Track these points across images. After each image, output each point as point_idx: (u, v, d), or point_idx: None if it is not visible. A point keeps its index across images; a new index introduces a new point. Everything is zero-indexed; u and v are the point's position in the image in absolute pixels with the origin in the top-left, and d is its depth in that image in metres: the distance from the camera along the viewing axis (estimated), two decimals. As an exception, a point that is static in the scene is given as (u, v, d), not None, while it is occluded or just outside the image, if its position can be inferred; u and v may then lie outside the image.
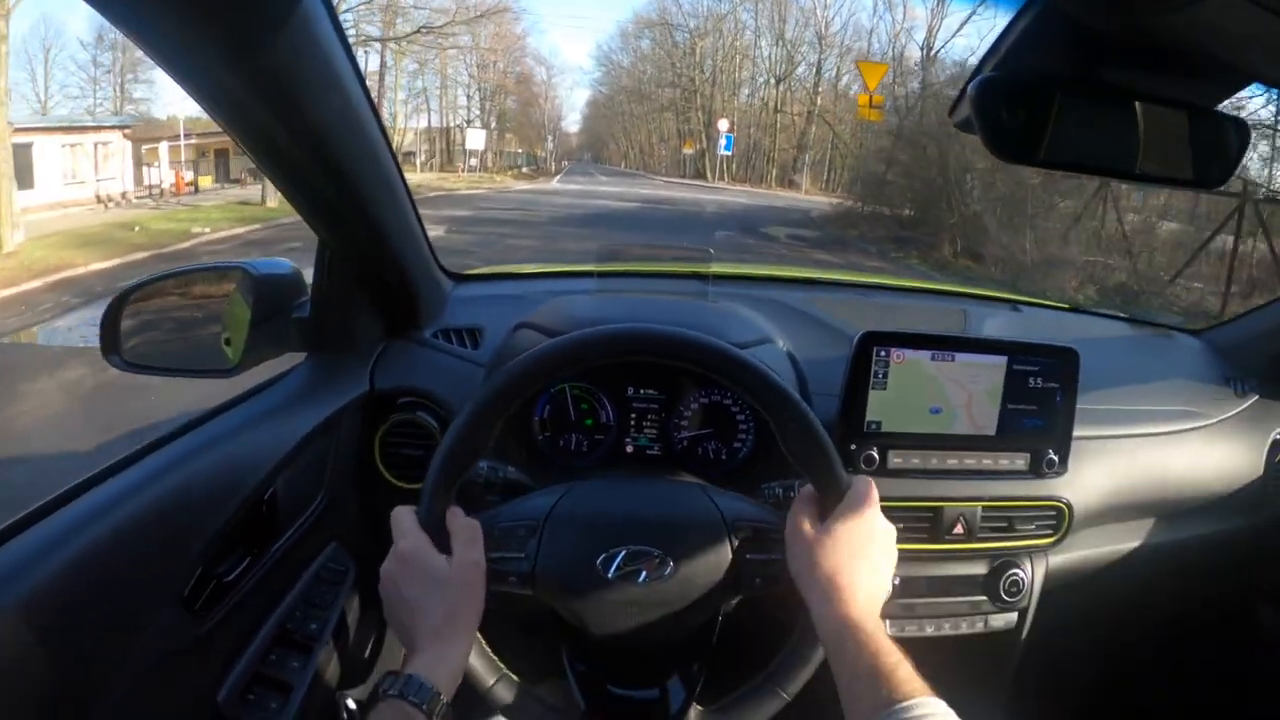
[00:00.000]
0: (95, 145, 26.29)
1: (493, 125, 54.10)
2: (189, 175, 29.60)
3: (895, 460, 1.67)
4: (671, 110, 58.05)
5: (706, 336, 1.26)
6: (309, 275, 1.64)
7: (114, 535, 1.07)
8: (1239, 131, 1.06)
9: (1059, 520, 1.80)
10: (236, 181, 28.94)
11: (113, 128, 28.35)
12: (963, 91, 1.05)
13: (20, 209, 16.63)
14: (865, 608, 1.12)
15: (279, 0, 0.97)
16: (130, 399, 6.31)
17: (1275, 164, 16.64)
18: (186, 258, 13.83)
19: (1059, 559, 1.85)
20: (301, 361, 1.68)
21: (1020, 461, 1.71)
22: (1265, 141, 15.86)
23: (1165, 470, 1.95)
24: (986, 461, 1.70)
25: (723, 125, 48.07)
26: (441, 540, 1.20)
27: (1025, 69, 1.00)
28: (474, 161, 48.48)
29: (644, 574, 1.23)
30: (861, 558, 1.15)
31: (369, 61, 40.06)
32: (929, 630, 1.76)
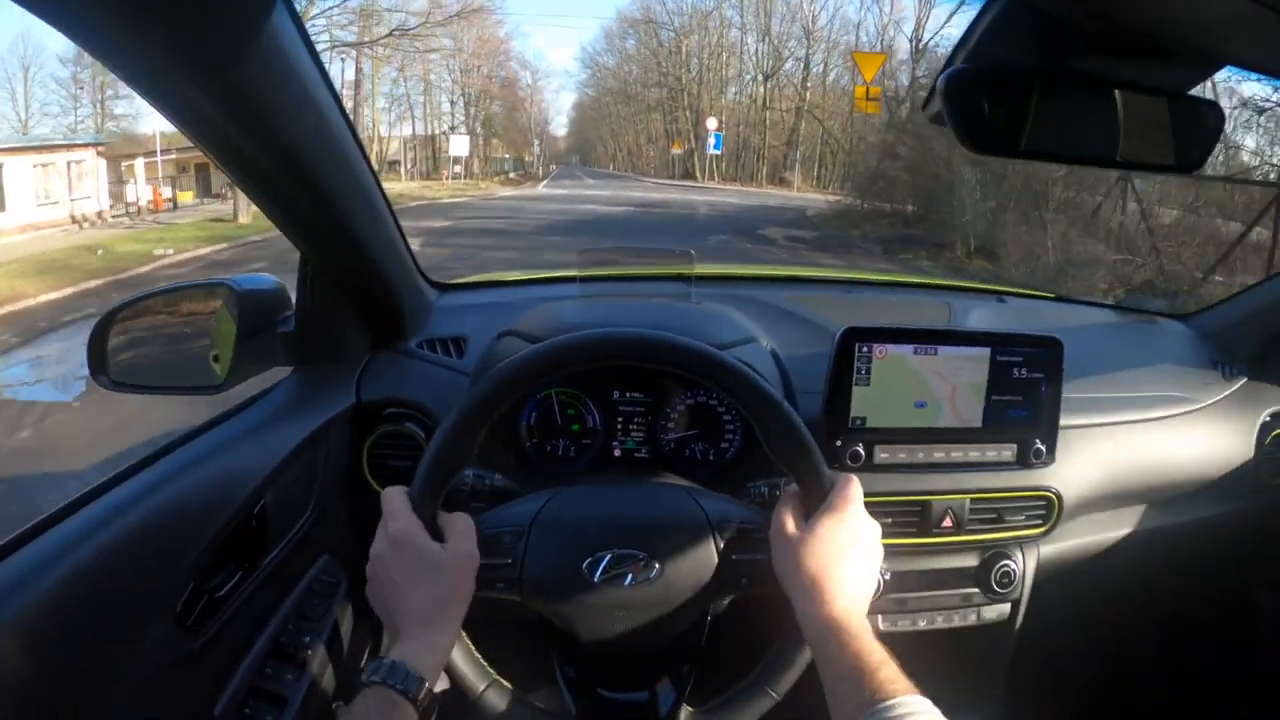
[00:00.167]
0: (68, 164, 26.11)
1: (478, 131, 53.96)
2: (167, 191, 29.29)
3: (881, 455, 1.67)
4: (659, 110, 58.08)
5: (686, 339, 1.26)
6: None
7: (105, 553, 1.07)
8: (1214, 114, 1.06)
9: (1048, 510, 1.80)
10: (218, 196, 28.64)
11: (85, 145, 28.19)
12: (933, 86, 1.05)
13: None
14: (849, 607, 1.12)
15: (245, 19, 0.96)
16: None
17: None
18: (144, 283, 13.41)
19: (1050, 549, 1.85)
20: (288, 376, 1.68)
21: (1007, 453, 1.71)
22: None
23: (1155, 456, 1.95)
24: (973, 454, 1.70)
25: (711, 124, 47.83)
26: (433, 529, 1.20)
27: (997, 60, 1.00)
28: (458, 168, 48.27)
29: (630, 577, 1.23)
30: (845, 556, 1.16)
31: (345, 71, 40.04)
32: (922, 624, 1.77)
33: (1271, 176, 13.48)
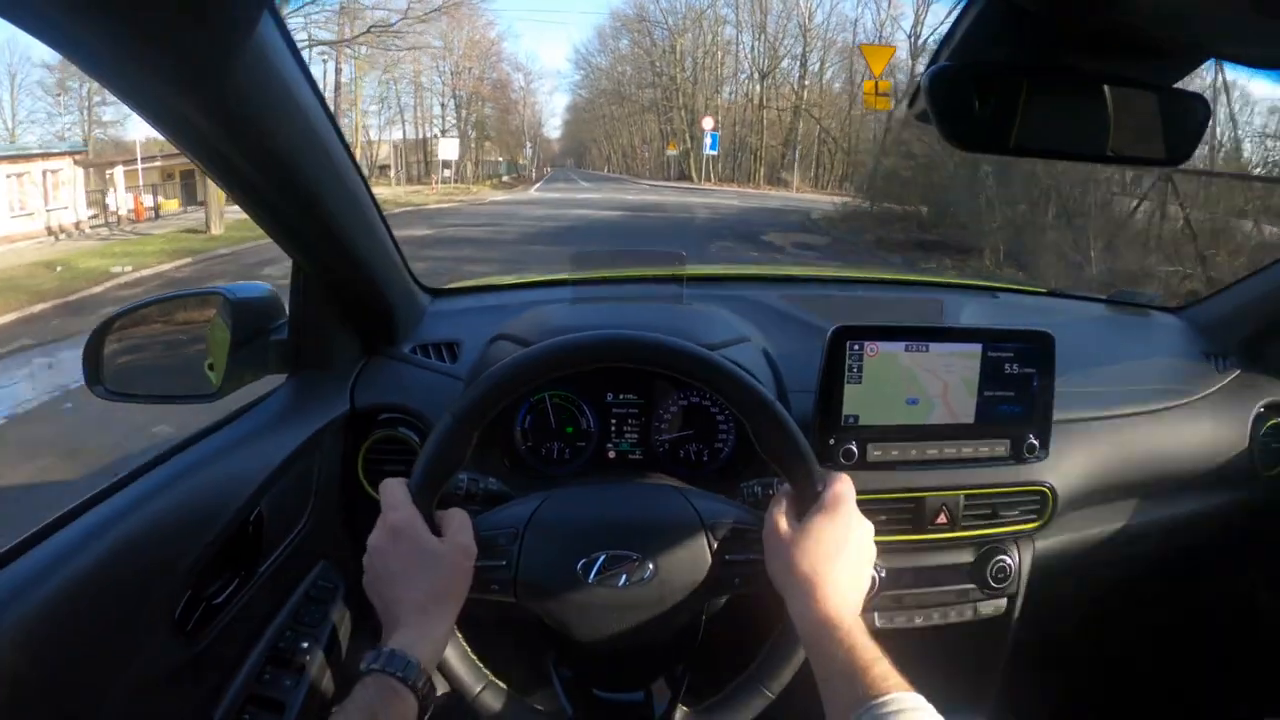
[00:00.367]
0: (44, 173, 25.36)
1: (470, 134, 53.54)
2: (150, 200, 28.48)
3: (875, 453, 1.67)
4: (653, 111, 57.72)
5: (678, 340, 1.27)
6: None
7: (102, 561, 1.07)
8: (1201, 107, 1.07)
9: (1043, 505, 1.81)
10: (202, 204, 27.19)
11: (62, 154, 27.29)
12: (919, 84, 1.06)
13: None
14: (842, 605, 1.13)
15: (232, 29, 0.97)
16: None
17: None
18: (94, 306, 12.79)
19: (1046, 543, 1.86)
20: (282, 383, 1.69)
21: (1000, 448, 1.71)
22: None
23: (1149, 449, 1.96)
24: (966, 450, 1.70)
25: (707, 124, 47.41)
26: (431, 524, 1.21)
27: (982, 57, 1.00)
28: (448, 172, 47.62)
29: (624, 577, 1.24)
30: (838, 556, 1.16)
31: (328, 73, 39.50)
32: (918, 620, 1.77)
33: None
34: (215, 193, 21.30)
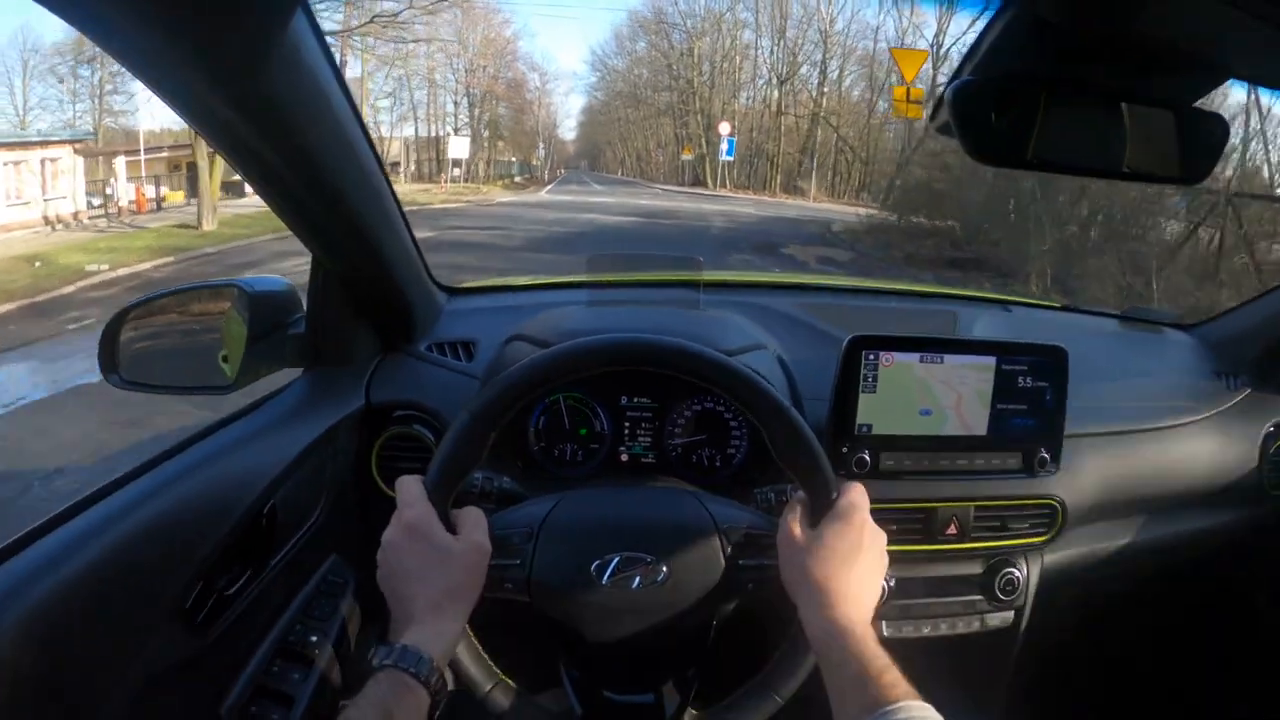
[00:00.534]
0: (43, 162, 24.50)
1: (483, 134, 53.16)
2: (152, 191, 27.52)
3: (887, 462, 1.68)
4: (669, 114, 56.79)
5: (698, 345, 1.27)
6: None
7: (114, 551, 1.08)
8: (1219, 126, 1.08)
9: (1052, 518, 1.81)
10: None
11: (62, 142, 26.43)
12: (941, 96, 1.06)
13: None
14: (854, 613, 1.13)
15: (266, 23, 0.97)
16: None
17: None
18: (60, 309, 12.57)
19: (1054, 557, 1.86)
20: (298, 377, 1.69)
21: (1012, 461, 1.71)
22: None
23: (1159, 465, 1.95)
24: (978, 461, 1.71)
25: (724, 129, 46.67)
26: (446, 522, 1.21)
27: (1004, 71, 1.01)
28: (457, 171, 46.87)
29: (638, 579, 1.24)
30: (852, 564, 1.16)
31: (346, 70, 38.30)
32: (926, 630, 1.77)
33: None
34: (208, 187, 21.06)
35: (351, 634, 1.58)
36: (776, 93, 50.02)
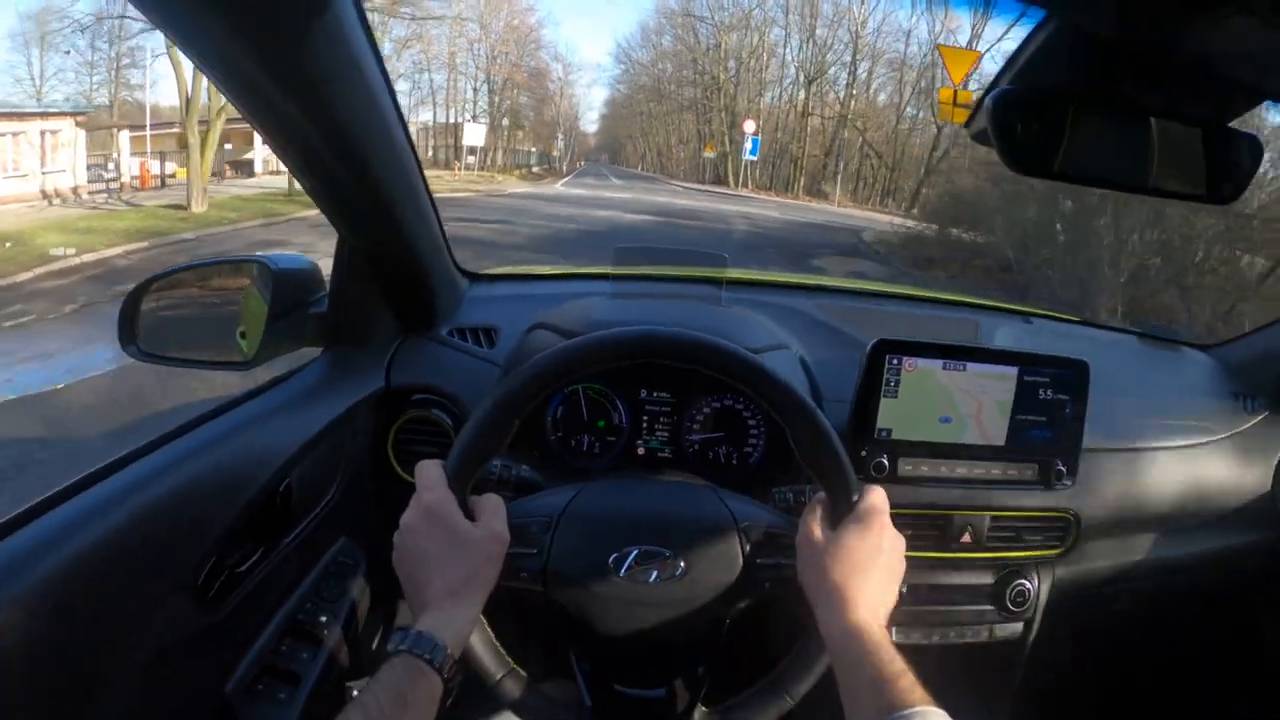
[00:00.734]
0: (42, 134, 23.81)
1: (503, 122, 52.97)
2: (157, 167, 26.59)
3: (905, 468, 1.67)
4: (692, 110, 56.46)
5: (725, 341, 1.27)
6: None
7: (128, 524, 1.08)
8: (1252, 148, 1.07)
9: (1066, 532, 1.81)
10: (215, 175, 25.84)
11: (63, 114, 25.71)
12: (979, 104, 1.06)
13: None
14: (871, 616, 1.13)
15: None
16: None
17: None
18: (5, 299, 10.92)
19: (1065, 571, 1.86)
20: (318, 356, 1.69)
21: (1029, 472, 1.71)
22: None
23: (1173, 484, 1.94)
24: (995, 471, 1.70)
25: (749, 127, 46.06)
26: (465, 508, 1.20)
27: (1041, 83, 1.01)
28: (472, 159, 46.34)
29: (655, 574, 1.24)
30: (870, 567, 1.16)
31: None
32: (935, 638, 1.77)
33: None
34: (199, 167, 20.66)
35: (360, 616, 1.58)
36: (803, 93, 49.60)
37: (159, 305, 1.58)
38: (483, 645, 1.24)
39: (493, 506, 1.22)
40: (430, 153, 48.31)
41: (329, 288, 1.66)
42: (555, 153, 63.67)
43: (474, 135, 45.11)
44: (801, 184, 47.72)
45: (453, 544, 1.16)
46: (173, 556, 1.15)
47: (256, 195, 21.83)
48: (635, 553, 1.25)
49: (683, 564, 1.25)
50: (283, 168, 1.45)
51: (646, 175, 60.91)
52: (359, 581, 1.59)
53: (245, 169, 24.48)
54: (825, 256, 20.11)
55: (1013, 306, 2.54)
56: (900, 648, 1.08)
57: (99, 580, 1.03)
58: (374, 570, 1.62)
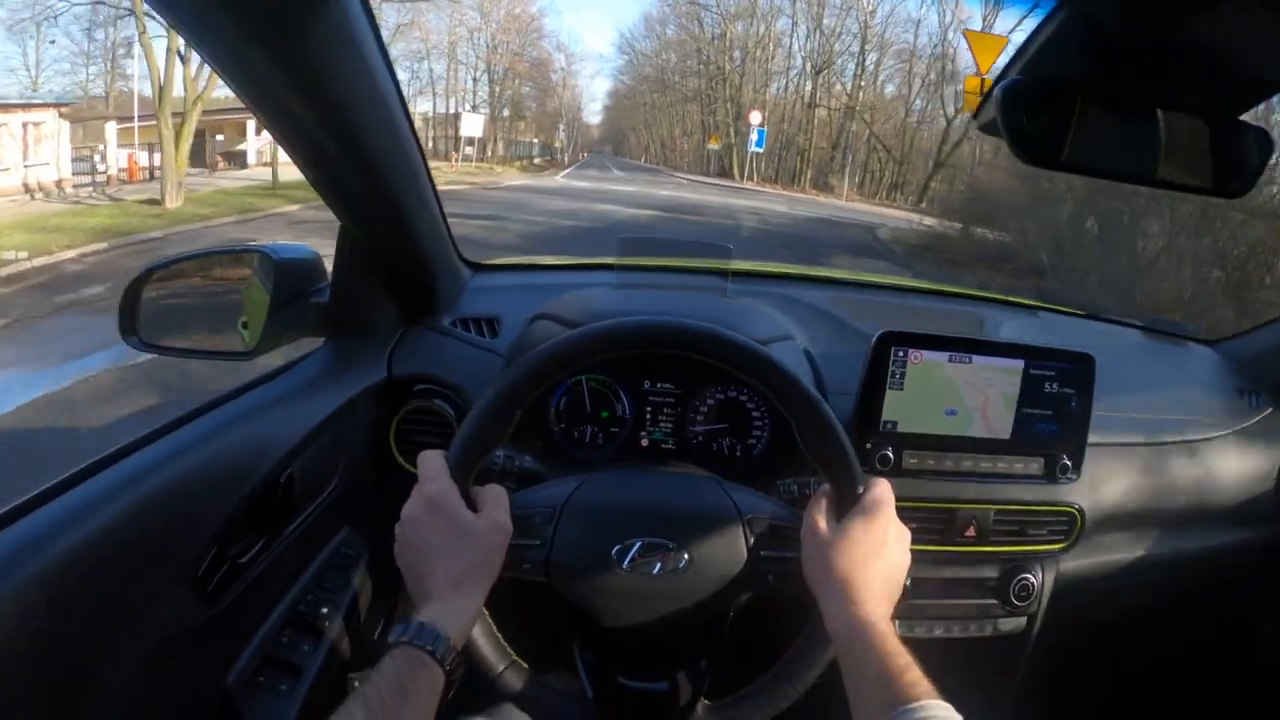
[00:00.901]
0: (25, 126, 23.02)
1: (504, 113, 52.67)
2: (145, 159, 25.96)
3: (910, 460, 1.67)
4: (696, 101, 56.30)
5: (731, 332, 1.26)
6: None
7: (128, 514, 1.08)
8: (1262, 142, 1.06)
9: (1071, 526, 1.80)
10: (206, 167, 25.94)
11: (46, 106, 24.92)
12: (988, 94, 1.05)
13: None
14: (877, 609, 1.12)
15: None
16: None
17: None
18: None
19: (1069, 565, 1.85)
20: (320, 346, 1.69)
21: (1034, 466, 1.70)
22: None
23: (1177, 479, 1.94)
24: (1000, 465, 1.69)
25: (755, 118, 45.12)
26: (467, 499, 1.20)
27: (1050, 73, 1.00)
28: (469, 150, 45.59)
29: (659, 566, 1.23)
30: (876, 560, 1.16)
31: None
32: (938, 631, 1.77)
33: None
34: (172, 161, 20.13)
35: (362, 607, 1.58)
36: (810, 84, 49.36)
37: (160, 295, 1.58)
38: (485, 637, 1.23)
39: (495, 497, 1.22)
40: (430, 144, 47.93)
41: (330, 278, 1.66)
42: (558, 144, 63.59)
43: (472, 126, 44.35)
44: (808, 177, 47.45)
45: (455, 535, 1.15)
46: (173, 548, 1.15)
47: (240, 189, 21.35)
48: (639, 544, 1.24)
49: (686, 556, 1.24)
50: (279, 158, 1.45)
51: (650, 167, 60.84)
52: (361, 572, 1.59)
53: (238, 160, 24.30)
54: (840, 256, 19.28)
55: (1018, 300, 2.54)
56: (904, 641, 1.07)
57: (98, 573, 1.03)
58: (376, 561, 1.62)
